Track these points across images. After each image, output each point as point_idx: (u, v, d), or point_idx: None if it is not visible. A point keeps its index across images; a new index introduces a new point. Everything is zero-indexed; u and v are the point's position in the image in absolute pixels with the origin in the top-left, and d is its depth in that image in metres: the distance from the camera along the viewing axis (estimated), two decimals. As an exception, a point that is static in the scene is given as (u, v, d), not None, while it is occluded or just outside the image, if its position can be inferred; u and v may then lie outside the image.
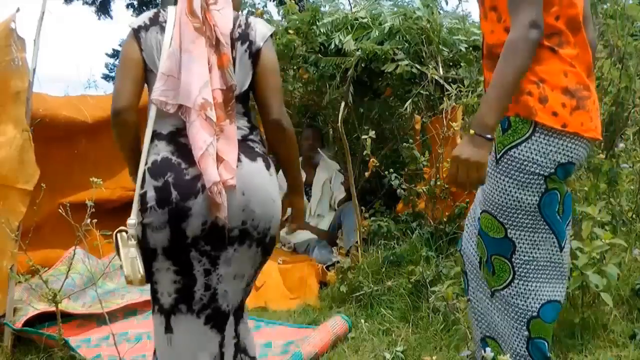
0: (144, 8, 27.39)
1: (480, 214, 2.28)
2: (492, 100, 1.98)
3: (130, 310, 4.20)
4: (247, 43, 2.28)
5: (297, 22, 5.75)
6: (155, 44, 2.25)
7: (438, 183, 4.72)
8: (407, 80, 5.41)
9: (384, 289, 4.16)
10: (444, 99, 4.90)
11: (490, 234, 2.24)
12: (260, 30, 2.31)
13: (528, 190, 2.13)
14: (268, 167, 2.29)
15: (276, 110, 2.29)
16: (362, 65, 5.20)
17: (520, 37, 1.95)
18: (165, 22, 2.28)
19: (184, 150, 2.17)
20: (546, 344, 2.30)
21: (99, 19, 26.86)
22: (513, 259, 2.22)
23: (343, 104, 5.03)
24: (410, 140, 5.11)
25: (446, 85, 5.27)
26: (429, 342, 3.51)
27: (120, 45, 30.46)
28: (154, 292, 2.26)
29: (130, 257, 2.15)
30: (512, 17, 2.01)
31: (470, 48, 5.59)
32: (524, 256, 2.21)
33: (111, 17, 26.75)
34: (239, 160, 2.17)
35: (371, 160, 4.72)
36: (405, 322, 3.77)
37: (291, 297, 4.65)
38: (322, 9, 5.98)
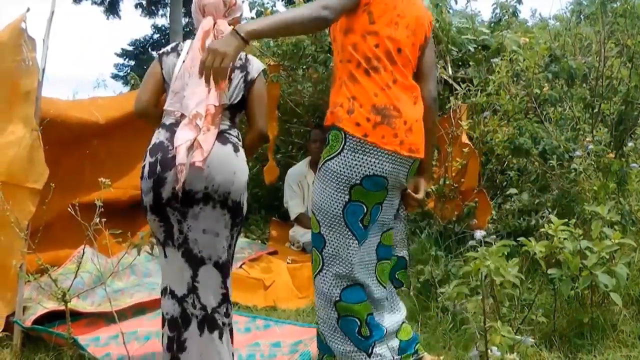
0: (153, 8, 27.49)
1: None
2: (264, 19, 2.41)
3: (139, 309, 4.21)
4: (245, 73, 3.11)
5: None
6: (172, 65, 3.10)
7: (447, 182, 4.71)
8: (416, 79, 5.40)
9: (392, 289, 4.16)
10: (452, 98, 4.90)
11: (313, 230, 2.73)
12: (256, 66, 3.16)
13: (335, 200, 2.58)
14: (236, 151, 2.98)
15: (260, 123, 3.11)
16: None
17: (314, 7, 2.38)
18: (182, 50, 3.13)
19: (173, 137, 2.89)
20: (357, 319, 2.68)
21: (108, 18, 26.95)
22: (323, 253, 2.69)
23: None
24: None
25: (455, 85, 5.27)
26: (437, 342, 3.51)
27: (129, 44, 30.76)
28: (152, 233, 3.06)
29: None
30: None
31: (479, 48, 5.58)
32: (330, 251, 2.66)
33: (120, 17, 26.85)
34: (213, 145, 2.88)
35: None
36: (414, 322, 3.77)
37: (300, 296, 4.66)
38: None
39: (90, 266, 4.09)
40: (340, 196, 2.57)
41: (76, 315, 3.84)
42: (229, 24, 3.11)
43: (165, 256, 2.99)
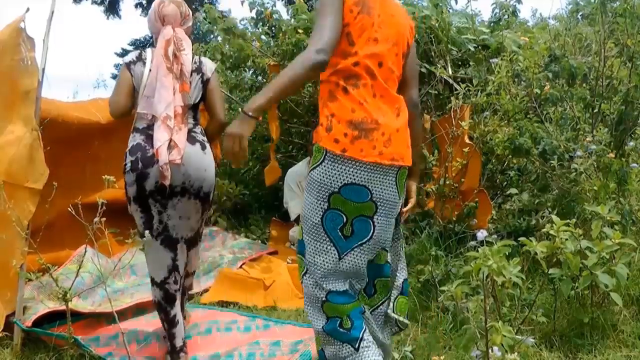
0: (153, 7, 27.45)
1: None
2: (266, 90, 2.39)
3: (139, 309, 4.21)
4: (201, 74, 3.58)
5: (307, 21, 5.76)
6: (140, 74, 3.50)
7: (447, 182, 4.71)
8: (416, 79, 5.40)
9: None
10: (453, 98, 4.90)
11: (298, 236, 2.79)
12: (209, 66, 3.63)
13: (315, 208, 2.63)
14: (203, 149, 3.49)
15: (220, 114, 3.62)
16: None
17: (307, 56, 2.41)
18: (146, 59, 3.52)
19: (150, 138, 3.36)
20: (338, 319, 2.69)
21: (108, 18, 26.95)
22: (305, 258, 2.72)
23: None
24: (419, 140, 5.11)
25: (455, 85, 5.27)
26: (438, 342, 3.51)
27: (129, 44, 30.68)
28: (137, 224, 3.46)
29: None
30: (310, 40, 2.51)
31: (479, 47, 5.58)
32: (310, 258, 2.70)
33: (120, 17, 26.85)
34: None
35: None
36: (414, 322, 3.77)
37: (300, 296, 4.65)
38: (331, 7, 5.97)
39: (90, 266, 4.09)
40: (320, 204, 2.62)
41: (76, 316, 3.84)
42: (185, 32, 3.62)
43: (149, 245, 3.44)
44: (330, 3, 2.57)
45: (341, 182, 2.56)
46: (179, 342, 3.46)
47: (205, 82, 3.59)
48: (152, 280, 3.49)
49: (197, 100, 3.56)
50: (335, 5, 2.57)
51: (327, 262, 2.67)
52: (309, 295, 2.75)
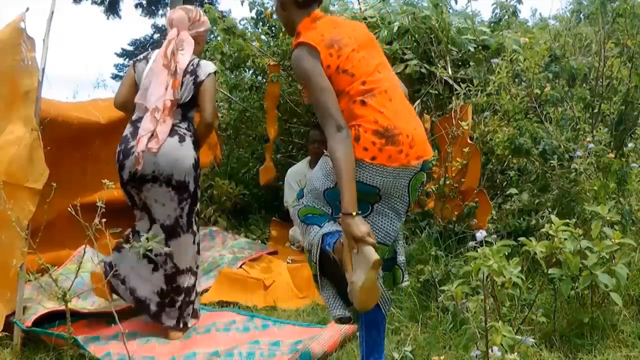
0: (153, 8, 27.49)
1: None
2: (343, 190, 2.57)
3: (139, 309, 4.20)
4: (194, 77, 3.86)
5: (306, 21, 5.74)
6: (141, 70, 3.95)
7: (447, 182, 4.71)
8: (416, 79, 5.40)
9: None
10: (453, 98, 4.90)
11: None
12: (204, 70, 3.88)
13: (320, 181, 2.85)
14: (181, 141, 3.79)
15: (205, 115, 3.87)
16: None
17: (336, 141, 2.61)
18: (150, 58, 3.95)
19: (135, 131, 3.79)
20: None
21: (108, 18, 26.95)
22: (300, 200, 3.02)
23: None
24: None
25: (455, 85, 5.27)
26: (437, 342, 3.51)
27: (129, 44, 30.77)
28: None
29: None
30: (324, 128, 2.68)
31: (479, 48, 5.58)
32: (306, 201, 2.96)
33: (120, 17, 26.84)
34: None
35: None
36: (414, 322, 3.77)
37: (300, 296, 4.65)
38: (331, 7, 5.97)
39: (90, 266, 4.09)
40: (326, 182, 2.80)
41: (76, 316, 3.85)
42: (194, 38, 3.99)
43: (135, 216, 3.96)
44: (312, 74, 2.72)
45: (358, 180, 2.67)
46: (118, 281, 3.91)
47: (197, 84, 3.86)
48: (137, 232, 3.91)
49: (187, 100, 3.86)
50: (317, 71, 2.72)
51: (320, 207, 2.89)
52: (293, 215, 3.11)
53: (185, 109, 3.87)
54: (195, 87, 3.86)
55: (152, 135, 3.71)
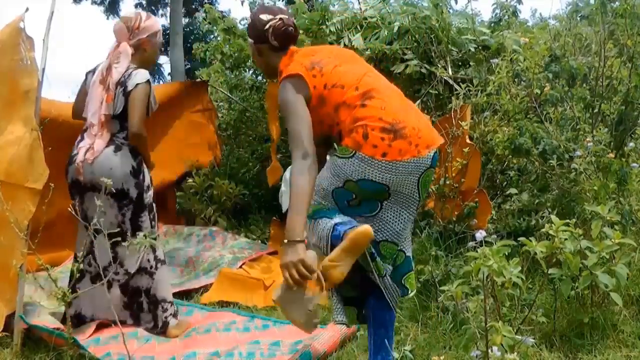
0: (153, 8, 27.47)
1: None
2: (292, 216, 2.65)
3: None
4: (123, 87, 3.89)
5: (307, 21, 5.76)
6: (90, 82, 4.01)
7: (447, 182, 4.71)
8: (416, 80, 5.41)
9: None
10: (453, 98, 4.90)
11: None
12: (133, 80, 3.89)
13: (329, 182, 2.82)
14: (116, 150, 3.90)
15: (131, 125, 3.87)
16: (372, 65, 5.20)
17: (299, 168, 2.69)
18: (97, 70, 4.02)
19: (81, 141, 3.95)
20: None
21: (108, 18, 26.93)
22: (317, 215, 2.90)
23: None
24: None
25: (455, 85, 5.27)
26: (437, 342, 3.51)
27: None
28: None
29: None
30: (292, 153, 2.75)
31: (480, 48, 5.58)
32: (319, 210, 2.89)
33: (120, 17, 26.75)
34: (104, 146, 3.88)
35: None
36: (414, 322, 3.77)
37: (300, 296, 4.64)
38: (332, 7, 5.98)
39: (90, 266, 4.08)
40: (335, 182, 2.80)
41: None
42: (136, 45, 4.04)
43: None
44: (292, 102, 2.82)
45: (361, 177, 2.72)
46: (70, 312, 3.72)
47: (126, 95, 3.89)
48: (75, 255, 4.01)
49: (119, 111, 3.91)
50: (298, 100, 2.82)
51: (329, 203, 2.88)
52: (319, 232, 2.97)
53: (121, 119, 3.93)
54: (125, 98, 3.90)
55: (89, 147, 3.88)
